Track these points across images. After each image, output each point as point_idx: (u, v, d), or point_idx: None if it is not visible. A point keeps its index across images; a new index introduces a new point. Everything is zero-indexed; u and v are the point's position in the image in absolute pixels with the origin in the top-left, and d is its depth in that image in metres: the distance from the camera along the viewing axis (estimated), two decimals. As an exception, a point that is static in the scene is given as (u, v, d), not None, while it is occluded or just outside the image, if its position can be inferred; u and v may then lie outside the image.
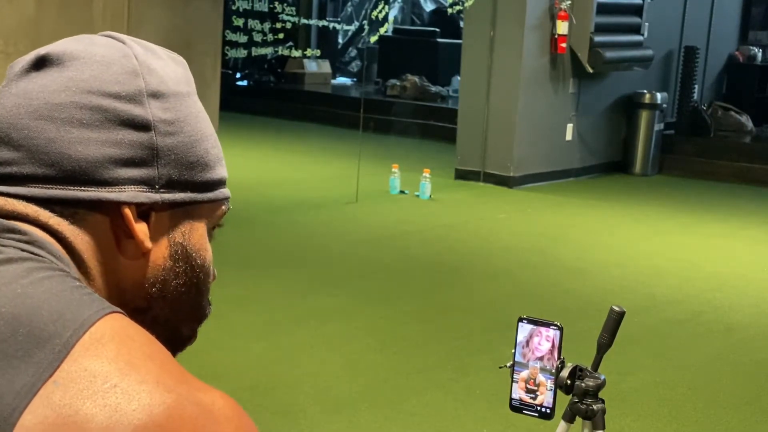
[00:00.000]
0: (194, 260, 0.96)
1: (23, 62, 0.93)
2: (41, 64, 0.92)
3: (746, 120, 11.74)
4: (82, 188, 0.89)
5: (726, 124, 11.68)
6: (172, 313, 0.96)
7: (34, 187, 0.89)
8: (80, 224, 0.90)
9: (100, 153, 0.89)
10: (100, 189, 0.89)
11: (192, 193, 0.94)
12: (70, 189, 0.89)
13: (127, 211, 0.90)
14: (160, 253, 0.94)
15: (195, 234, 0.96)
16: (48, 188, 0.89)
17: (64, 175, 0.88)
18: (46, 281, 0.83)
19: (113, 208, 0.90)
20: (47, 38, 5.72)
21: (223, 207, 0.99)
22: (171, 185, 0.92)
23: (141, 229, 0.91)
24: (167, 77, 0.94)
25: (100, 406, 0.77)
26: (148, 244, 0.92)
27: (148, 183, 0.91)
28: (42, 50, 0.93)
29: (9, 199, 0.89)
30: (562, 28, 9.41)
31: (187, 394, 0.80)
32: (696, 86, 11.61)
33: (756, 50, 13.18)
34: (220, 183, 0.98)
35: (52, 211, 0.89)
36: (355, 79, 15.84)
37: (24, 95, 0.91)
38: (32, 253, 0.86)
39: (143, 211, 0.91)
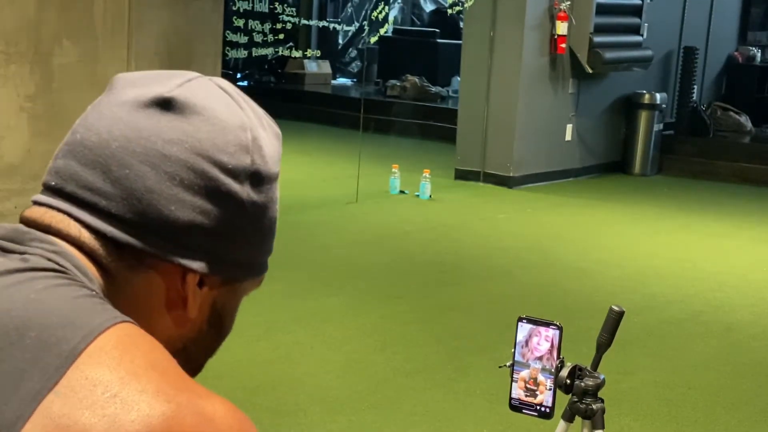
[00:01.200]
0: (224, 328, 0.99)
1: (140, 90, 0.91)
2: (164, 106, 0.90)
3: (745, 120, 11.74)
4: (159, 246, 0.89)
5: (725, 124, 11.69)
6: (183, 365, 0.97)
7: (117, 227, 0.89)
8: (139, 276, 0.90)
9: (189, 218, 0.89)
10: (174, 251, 0.90)
11: (248, 271, 0.97)
12: (147, 243, 0.89)
13: (191, 279, 0.91)
14: (201, 318, 0.95)
15: (232, 304, 0.98)
16: (128, 233, 0.89)
17: (148, 228, 0.89)
18: (60, 289, 0.83)
19: (177, 272, 0.91)
20: (48, 39, 5.73)
21: (262, 278, 1.01)
22: (236, 265, 0.94)
23: (196, 298, 0.92)
24: (269, 156, 0.94)
25: (98, 416, 0.77)
26: (195, 313, 0.93)
27: (217, 257, 0.92)
28: (164, 89, 0.91)
29: (81, 229, 0.89)
30: (561, 28, 9.42)
31: (188, 403, 0.79)
32: (695, 86, 11.62)
33: (755, 51, 13.19)
34: (267, 261, 1.00)
35: (120, 255, 0.89)
36: (355, 80, 15.84)
37: (136, 131, 0.89)
38: (56, 263, 0.86)
39: (200, 280, 0.93)
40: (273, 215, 0.97)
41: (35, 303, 0.81)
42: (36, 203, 0.92)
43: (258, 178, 0.93)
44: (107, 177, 0.88)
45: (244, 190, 0.91)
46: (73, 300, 0.82)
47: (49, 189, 0.91)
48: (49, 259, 0.86)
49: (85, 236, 0.89)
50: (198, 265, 0.90)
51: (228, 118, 0.92)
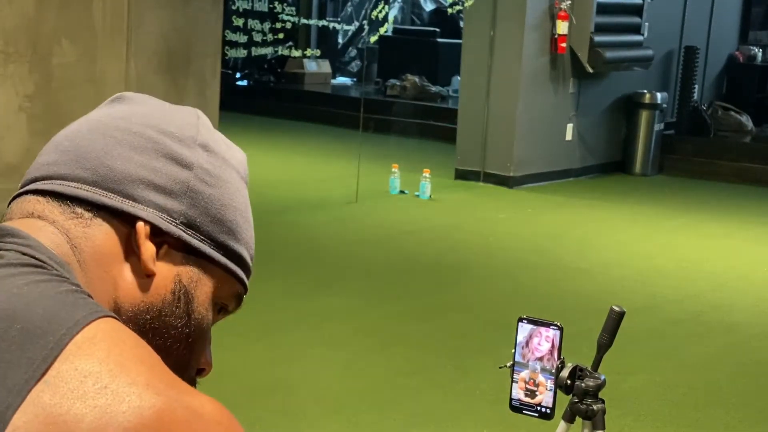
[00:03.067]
0: (192, 311, 0.97)
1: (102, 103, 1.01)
2: (114, 101, 0.99)
3: (746, 120, 11.74)
4: (109, 195, 0.92)
5: (726, 123, 11.68)
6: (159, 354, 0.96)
7: (64, 184, 0.93)
8: (95, 229, 0.92)
9: (137, 173, 0.93)
10: (124, 201, 0.92)
11: (209, 247, 0.96)
12: (97, 192, 0.92)
13: (141, 227, 0.92)
14: (163, 283, 0.94)
15: (201, 288, 0.97)
16: (77, 187, 0.92)
17: (96, 179, 0.92)
18: (42, 284, 0.84)
19: (130, 222, 0.92)
20: (47, 38, 5.72)
21: (238, 290, 1.02)
22: (191, 227, 0.95)
23: (149, 249, 0.93)
24: (220, 147, 0.99)
25: (90, 406, 0.77)
26: (152, 267, 0.93)
27: (170, 214, 0.94)
28: (125, 93, 1.01)
29: (31, 197, 0.94)
30: (562, 28, 9.41)
31: (177, 397, 0.80)
32: (696, 86, 11.61)
33: (756, 50, 13.18)
34: (240, 261, 1.00)
35: (74, 211, 0.92)
36: (355, 79, 15.83)
37: (90, 119, 0.98)
38: (32, 257, 0.87)
39: (158, 242, 0.93)
40: (234, 200, 0.98)
41: (18, 297, 0.82)
42: (9, 204, 0.97)
43: (209, 150, 0.97)
44: (58, 150, 0.95)
45: (193, 154, 0.95)
46: (55, 295, 0.83)
47: (20, 187, 0.97)
48: (24, 254, 0.87)
49: (42, 203, 0.93)
50: (146, 214, 0.92)
51: (180, 110, 0.99)
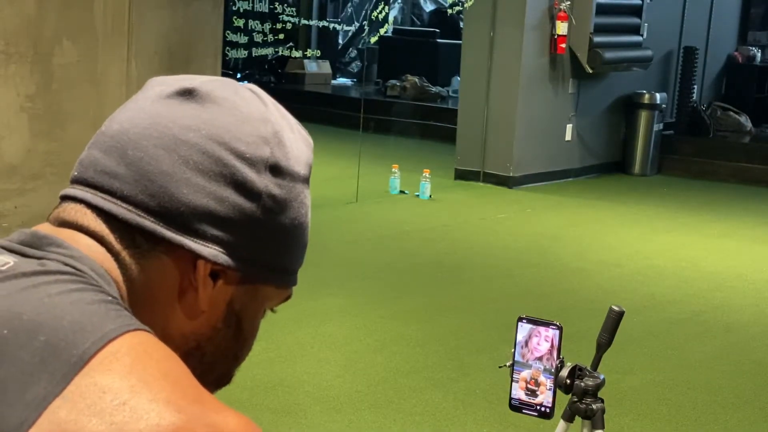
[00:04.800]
0: (243, 333, 0.96)
1: (165, 86, 0.93)
2: (184, 95, 0.91)
3: (745, 120, 11.74)
4: (171, 229, 0.88)
5: (725, 124, 11.69)
6: (201, 372, 0.93)
7: (127, 209, 0.88)
8: (151, 262, 0.89)
9: (202, 203, 0.88)
10: (186, 236, 0.88)
11: (267, 275, 0.94)
12: (159, 225, 0.88)
13: (201, 266, 0.89)
14: (215, 313, 0.92)
15: (253, 307, 0.96)
16: (139, 215, 0.88)
17: (160, 210, 0.88)
18: (75, 293, 0.82)
19: (189, 259, 0.89)
20: (48, 39, 5.73)
21: (289, 294, 0.99)
22: (251, 259, 0.91)
23: (206, 288, 0.90)
24: (292, 154, 0.92)
25: (106, 423, 0.75)
26: (205, 306, 0.91)
27: (231, 248, 0.89)
28: (189, 83, 0.92)
29: (89, 212, 0.89)
30: (561, 28, 9.42)
31: (200, 415, 0.77)
32: (695, 86, 11.62)
33: (755, 50, 13.18)
34: (295, 271, 0.97)
35: (133, 240, 0.88)
36: (355, 80, 15.83)
37: (155, 118, 0.90)
38: (74, 267, 0.85)
39: (214, 272, 0.90)
40: (298, 217, 0.93)
41: (48, 306, 0.80)
42: (62, 197, 0.92)
43: (278, 171, 0.91)
44: (122, 160, 0.89)
45: (261, 180, 0.90)
46: (87, 305, 0.81)
47: (73, 180, 0.92)
48: (66, 264, 0.85)
49: (100, 224, 0.89)
50: (209, 252, 0.88)
51: (249, 111, 0.91)
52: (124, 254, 0.88)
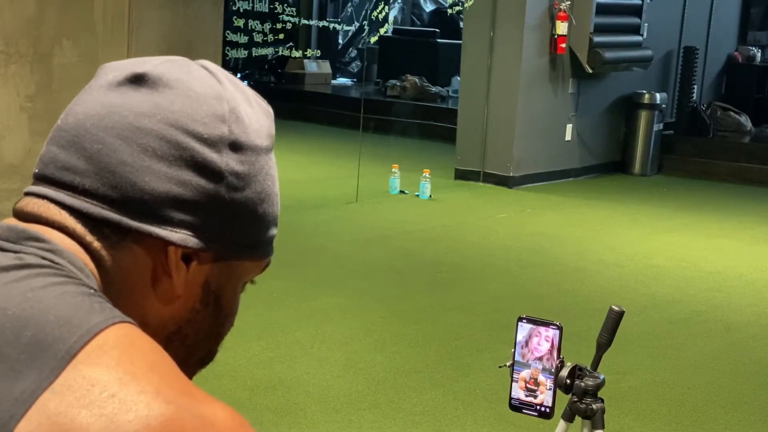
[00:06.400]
0: (223, 310, 0.96)
1: (117, 72, 0.92)
2: (136, 81, 0.91)
3: (745, 120, 11.75)
4: (137, 219, 0.88)
5: (725, 124, 11.69)
6: (185, 354, 0.95)
7: (91, 203, 0.88)
8: (122, 252, 0.89)
9: (165, 189, 0.88)
10: (153, 224, 0.88)
11: (240, 250, 0.94)
12: (125, 216, 0.88)
13: (172, 252, 0.89)
14: (191, 295, 0.92)
15: (230, 284, 0.96)
16: (104, 208, 0.88)
17: (124, 201, 0.87)
18: (58, 287, 0.82)
19: (160, 246, 0.89)
20: (48, 39, 5.73)
21: (265, 264, 0.98)
22: (222, 238, 0.91)
23: (180, 273, 0.90)
24: (251, 128, 0.92)
25: (96, 415, 0.75)
26: (181, 291, 0.91)
27: (200, 230, 0.90)
28: (140, 68, 0.92)
29: (53, 206, 0.89)
30: (561, 28, 9.42)
31: (188, 406, 0.78)
32: (695, 86, 11.62)
33: (755, 50, 13.19)
34: (269, 242, 0.97)
35: (100, 232, 0.88)
36: (355, 80, 15.84)
37: (110, 108, 0.89)
38: (52, 261, 0.85)
39: (186, 255, 0.91)
40: (265, 189, 0.93)
41: (32, 301, 0.80)
42: (25, 194, 0.92)
43: (238, 148, 0.91)
44: (81, 154, 0.88)
45: (222, 159, 0.89)
46: (71, 298, 0.81)
47: (35, 177, 0.92)
48: (44, 257, 0.85)
49: (66, 218, 0.88)
50: (178, 237, 0.88)
51: (203, 90, 0.91)
52: (95, 246, 0.88)
